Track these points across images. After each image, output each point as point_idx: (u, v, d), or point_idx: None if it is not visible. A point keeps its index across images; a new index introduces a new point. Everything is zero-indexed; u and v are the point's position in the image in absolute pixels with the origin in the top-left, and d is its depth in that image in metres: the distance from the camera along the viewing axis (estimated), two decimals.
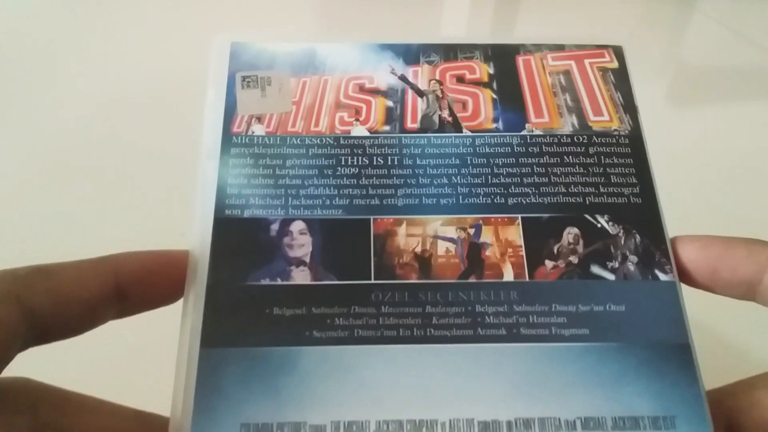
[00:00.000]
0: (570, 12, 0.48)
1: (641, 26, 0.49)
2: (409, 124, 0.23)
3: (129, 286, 0.18)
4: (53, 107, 0.45)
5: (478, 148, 0.22)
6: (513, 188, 0.22)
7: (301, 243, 0.20)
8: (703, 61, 0.51)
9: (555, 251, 0.21)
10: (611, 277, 0.20)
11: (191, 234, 0.20)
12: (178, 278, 0.19)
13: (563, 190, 0.22)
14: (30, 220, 0.39)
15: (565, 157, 0.22)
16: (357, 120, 0.23)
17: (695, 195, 0.40)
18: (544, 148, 0.22)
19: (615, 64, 0.24)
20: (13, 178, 0.41)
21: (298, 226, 0.21)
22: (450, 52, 0.25)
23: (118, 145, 0.43)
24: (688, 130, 0.45)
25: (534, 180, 0.22)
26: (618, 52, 0.25)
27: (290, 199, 0.21)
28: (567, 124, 0.23)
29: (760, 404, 0.19)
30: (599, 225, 0.21)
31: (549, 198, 0.21)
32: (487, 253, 0.21)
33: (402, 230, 0.21)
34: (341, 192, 0.21)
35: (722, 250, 0.20)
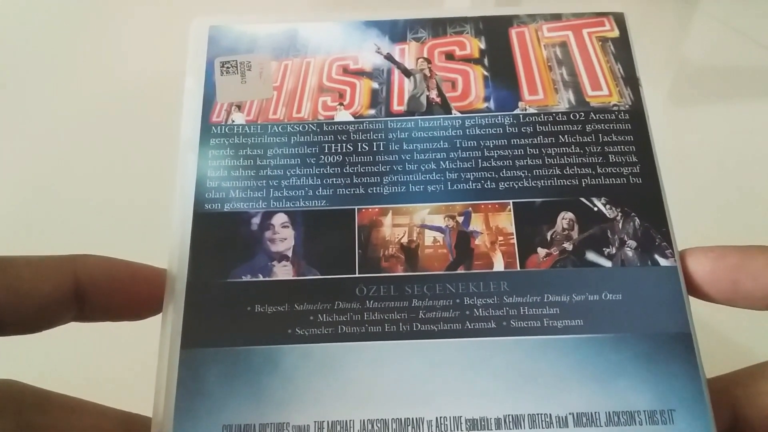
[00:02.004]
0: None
1: (642, 25, 0.47)
2: (396, 107, 0.22)
3: (89, 290, 0.18)
4: (35, 105, 0.45)
5: (467, 130, 0.21)
6: (504, 172, 0.21)
7: (283, 237, 0.20)
8: (706, 60, 0.49)
9: (548, 238, 0.20)
10: (608, 263, 0.19)
11: (171, 229, 0.20)
12: (148, 294, 0.19)
13: (558, 172, 0.20)
14: (14, 219, 0.39)
15: (561, 136, 0.21)
16: (341, 104, 0.22)
17: (698, 194, 0.39)
18: (538, 127, 0.21)
19: (616, 33, 0.23)
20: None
21: (280, 219, 0.20)
22: (439, 27, 0.23)
23: (100, 141, 0.42)
24: (691, 129, 0.44)
25: (527, 162, 0.21)
26: (619, 20, 0.23)
27: (272, 190, 0.20)
28: (563, 101, 0.22)
29: (765, 394, 0.18)
30: (596, 209, 0.20)
31: (543, 181, 0.20)
32: (477, 242, 0.20)
33: (388, 220, 0.20)
34: (325, 181, 0.21)
35: (740, 259, 0.18)
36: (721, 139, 0.43)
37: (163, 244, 0.20)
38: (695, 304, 0.19)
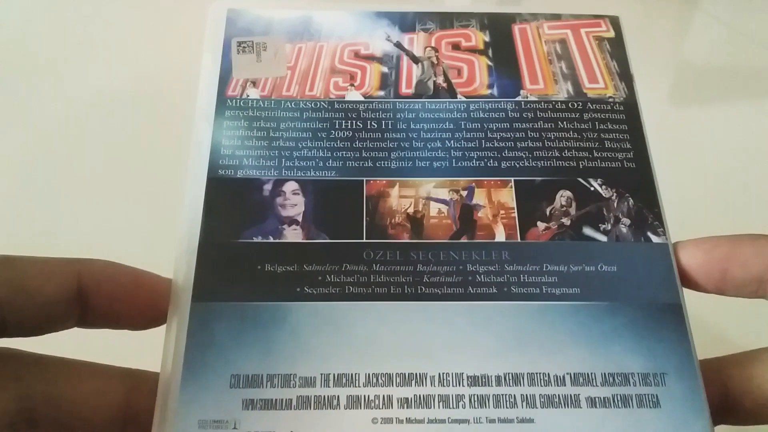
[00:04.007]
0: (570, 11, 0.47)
1: (643, 25, 0.49)
2: (404, 90, 0.23)
3: (92, 294, 0.18)
4: (54, 91, 0.46)
5: (472, 113, 0.22)
6: (506, 152, 0.22)
7: (293, 203, 0.20)
8: (706, 60, 0.51)
9: (547, 213, 0.21)
10: (603, 238, 0.20)
11: (184, 191, 0.20)
12: (152, 304, 0.18)
13: (557, 154, 0.22)
14: (28, 207, 0.40)
15: (560, 122, 0.22)
16: (352, 85, 0.23)
17: (697, 194, 0.40)
18: (538, 113, 0.22)
19: (611, 34, 0.24)
20: (11, 168, 0.42)
21: (291, 186, 0.21)
22: (446, 20, 0.25)
23: (116, 131, 0.43)
24: (691, 130, 0.45)
25: (528, 144, 0.22)
26: (614, 22, 0.25)
27: (284, 160, 0.21)
28: (562, 91, 0.23)
29: (758, 376, 0.18)
30: (592, 188, 0.21)
31: (542, 162, 0.21)
32: (480, 214, 0.21)
33: (395, 192, 0.21)
34: (335, 154, 0.21)
35: (730, 249, 0.19)
36: (720, 138, 0.44)
37: (177, 208, 0.20)
38: (690, 303, 0.19)
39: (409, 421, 0.17)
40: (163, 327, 0.19)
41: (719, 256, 0.19)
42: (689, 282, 0.20)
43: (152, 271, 0.19)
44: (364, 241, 0.20)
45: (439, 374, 0.18)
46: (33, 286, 0.17)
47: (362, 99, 0.23)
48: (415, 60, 0.24)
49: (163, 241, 0.21)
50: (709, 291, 0.20)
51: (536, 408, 0.17)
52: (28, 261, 0.17)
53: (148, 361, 0.19)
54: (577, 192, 0.21)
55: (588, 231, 0.20)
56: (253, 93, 0.22)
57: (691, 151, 0.43)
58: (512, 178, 0.21)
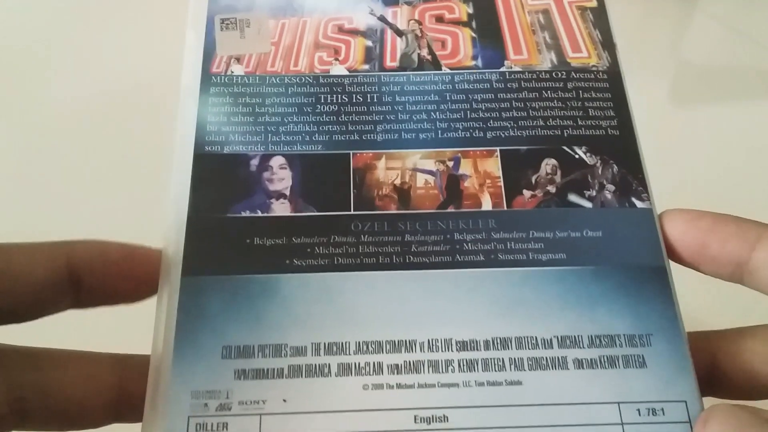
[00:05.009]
0: None
1: (642, 26, 0.48)
2: (389, 63, 0.23)
3: (84, 274, 0.18)
4: (40, 74, 0.45)
5: (457, 85, 0.22)
6: (492, 122, 0.22)
7: (281, 177, 0.21)
8: (705, 60, 0.50)
9: (533, 181, 0.21)
10: (588, 204, 0.20)
11: (171, 168, 0.20)
12: (144, 276, 0.19)
13: (541, 123, 0.22)
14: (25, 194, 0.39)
15: (544, 92, 0.22)
16: (336, 59, 0.23)
17: (695, 195, 0.39)
18: (522, 83, 0.22)
19: (594, 3, 0.24)
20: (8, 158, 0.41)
21: (277, 161, 0.21)
22: None
23: (101, 112, 0.42)
24: (690, 130, 0.45)
25: (512, 114, 0.22)
26: None
27: (270, 135, 0.21)
28: (546, 61, 0.23)
29: (749, 351, 0.18)
30: (577, 156, 0.21)
31: (527, 131, 0.22)
32: (466, 184, 0.21)
33: (381, 164, 0.21)
34: (321, 128, 0.21)
35: (712, 223, 0.19)
36: (720, 139, 0.43)
37: (164, 186, 0.20)
38: (681, 295, 0.19)
39: (399, 386, 0.17)
40: (154, 303, 0.19)
41: (700, 227, 0.19)
42: (669, 250, 0.20)
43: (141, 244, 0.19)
44: (352, 213, 0.20)
45: (429, 340, 0.18)
46: (22, 272, 0.17)
47: (347, 73, 0.23)
48: (399, 33, 0.24)
49: (152, 219, 0.21)
50: (686, 263, 0.20)
51: (524, 371, 0.18)
52: (14, 247, 0.17)
53: (138, 341, 0.19)
54: (562, 160, 0.21)
55: (573, 198, 0.21)
56: (237, 69, 0.22)
57: (689, 151, 0.42)
58: (498, 148, 0.21)
